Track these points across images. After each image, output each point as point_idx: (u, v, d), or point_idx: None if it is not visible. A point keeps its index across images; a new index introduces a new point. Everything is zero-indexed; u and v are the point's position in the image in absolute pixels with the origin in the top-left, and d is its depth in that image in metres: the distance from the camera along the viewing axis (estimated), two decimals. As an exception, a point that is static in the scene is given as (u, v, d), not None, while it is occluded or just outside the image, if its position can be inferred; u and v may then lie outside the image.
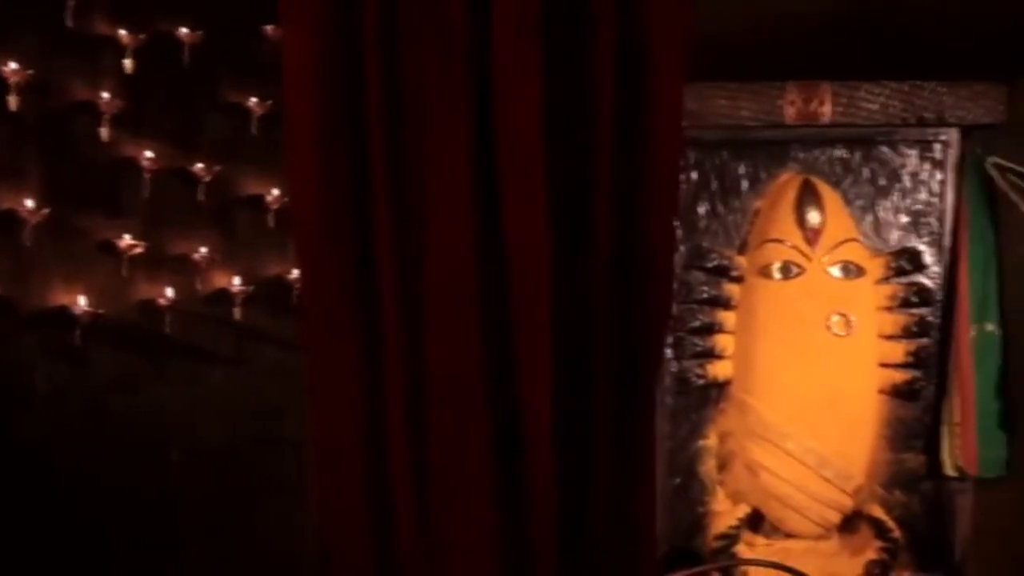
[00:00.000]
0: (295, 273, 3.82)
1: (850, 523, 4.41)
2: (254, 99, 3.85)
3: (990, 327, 4.34)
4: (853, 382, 4.40)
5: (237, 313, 3.89)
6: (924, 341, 4.43)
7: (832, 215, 4.38)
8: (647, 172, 2.21)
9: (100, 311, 3.75)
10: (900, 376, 4.44)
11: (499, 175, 2.19)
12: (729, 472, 4.43)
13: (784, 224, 4.37)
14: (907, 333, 4.43)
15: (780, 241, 4.36)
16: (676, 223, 4.03)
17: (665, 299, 2.29)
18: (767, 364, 4.37)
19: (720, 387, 4.43)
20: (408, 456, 2.23)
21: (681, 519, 4.42)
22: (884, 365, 4.43)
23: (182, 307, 3.85)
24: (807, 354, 4.35)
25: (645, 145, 2.21)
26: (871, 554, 4.40)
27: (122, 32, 3.72)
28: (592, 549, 2.22)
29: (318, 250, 2.23)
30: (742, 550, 4.37)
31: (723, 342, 4.42)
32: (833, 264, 4.37)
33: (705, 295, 4.40)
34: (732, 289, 4.42)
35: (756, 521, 4.42)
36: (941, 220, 4.42)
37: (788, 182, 4.41)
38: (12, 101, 3.59)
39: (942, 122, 4.32)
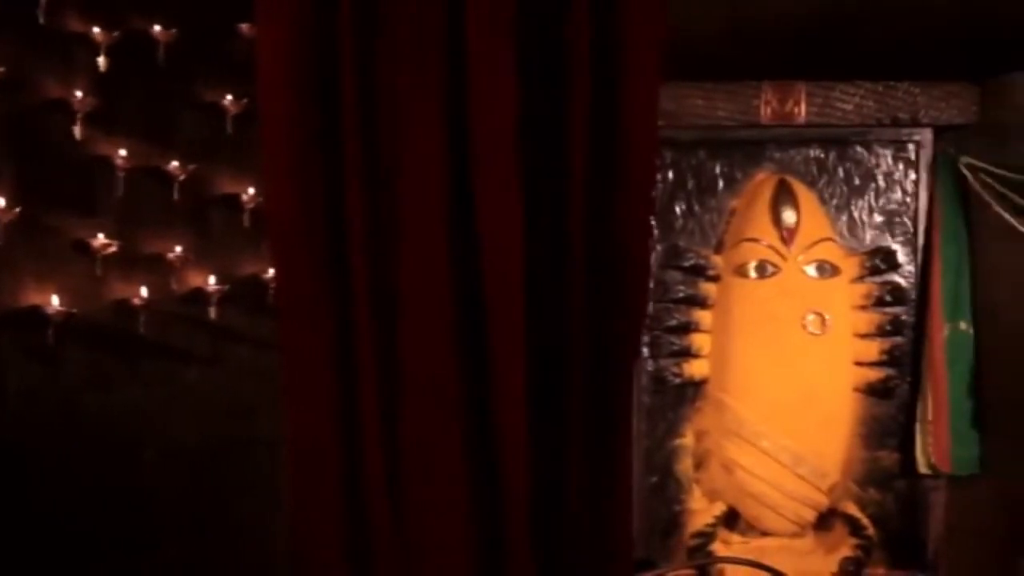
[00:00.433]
0: (270, 272, 3.80)
1: (825, 521, 4.44)
2: (229, 97, 3.83)
3: (963, 326, 4.38)
4: (828, 380, 4.43)
5: (212, 312, 3.87)
6: (898, 340, 4.46)
7: (807, 215, 4.41)
8: (622, 171, 2.21)
9: (73, 311, 3.72)
10: (874, 374, 4.47)
11: (473, 174, 2.18)
12: (705, 470, 4.44)
13: (760, 223, 4.39)
14: (881, 332, 4.46)
15: (756, 240, 4.38)
16: (652, 222, 4.06)
17: (640, 298, 2.30)
18: (743, 363, 4.39)
19: (696, 386, 4.45)
20: (383, 456, 2.22)
21: (658, 517, 4.43)
22: (859, 363, 4.46)
23: (157, 307, 3.82)
24: (783, 353, 4.37)
25: (620, 144, 2.21)
26: (846, 551, 4.43)
27: (96, 30, 3.69)
28: (567, 549, 2.22)
29: (293, 249, 2.22)
30: (718, 548, 4.39)
31: (699, 341, 4.44)
32: (808, 263, 4.39)
33: (681, 294, 4.41)
34: (708, 288, 4.44)
35: (732, 519, 4.44)
36: (915, 220, 4.46)
37: (764, 182, 4.43)
38: (-16, 99, 3.56)
39: (915, 122, 4.35)
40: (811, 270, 4.39)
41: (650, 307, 4.29)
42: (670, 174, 4.38)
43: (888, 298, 4.47)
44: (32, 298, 3.70)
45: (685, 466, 4.47)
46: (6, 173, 3.67)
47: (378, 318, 2.17)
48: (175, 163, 3.80)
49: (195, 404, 3.90)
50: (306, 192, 2.16)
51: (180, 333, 3.90)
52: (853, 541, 4.43)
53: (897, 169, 4.48)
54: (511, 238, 2.16)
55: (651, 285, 4.19)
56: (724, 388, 4.41)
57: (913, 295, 4.47)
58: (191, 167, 3.83)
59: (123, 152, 3.74)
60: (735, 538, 4.43)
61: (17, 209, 3.62)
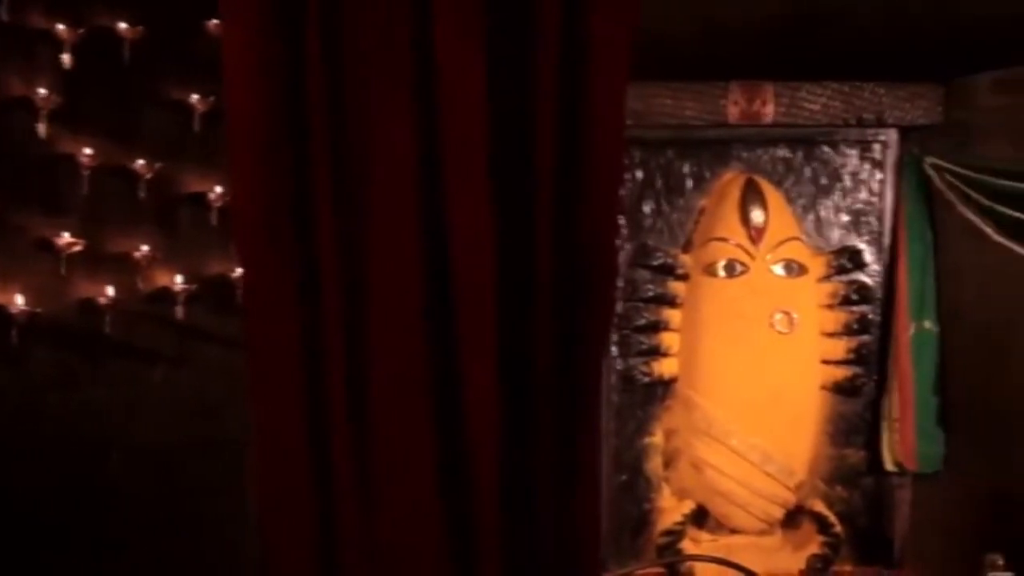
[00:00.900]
0: (238, 271, 3.78)
1: (793, 518, 4.46)
2: (196, 96, 3.80)
3: (928, 324, 4.42)
4: (796, 379, 4.45)
5: (179, 312, 3.84)
6: (865, 338, 4.50)
7: (775, 214, 4.43)
8: (590, 170, 2.22)
9: (37, 310, 3.69)
10: (841, 373, 4.50)
11: (443, 172, 2.18)
12: (674, 469, 4.46)
13: (728, 223, 4.41)
14: (848, 330, 4.49)
15: (724, 239, 4.40)
16: (620, 220, 4.06)
17: (608, 296, 2.30)
18: (712, 361, 4.41)
19: (665, 384, 4.46)
20: (352, 455, 2.22)
21: (627, 516, 4.44)
22: (826, 362, 4.49)
23: (123, 306, 3.79)
24: (751, 351, 4.39)
25: (588, 143, 2.21)
26: (813, 548, 4.46)
27: (60, 27, 3.66)
28: (535, 549, 2.23)
29: (260, 247, 2.21)
30: (687, 546, 4.40)
31: (668, 340, 4.45)
32: (776, 262, 4.41)
33: (650, 293, 4.43)
34: (677, 287, 4.45)
35: (701, 517, 4.45)
36: (881, 219, 4.50)
37: (732, 181, 4.45)
38: (-54, 96, 3.52)
39: (881, 123, 4.39)
40: (779, 269, 4.41)
41: (619, 306, 4.30)
42: (639, 173, 4.39)
43: (855, 297, 4.50)
44: (-5, 297, 3.66)
45: (654, 464, 4.48)
46: (-31, 171, 3.64)
47: (347, 316, 2.16)
48: (141, 161, 3.78)
49: (161, 404, 3.87)
50: (273, 190, 2.15)
51: (146, 333, 3.87)
52: (820, 538, 4.46)
53: (863, 169, 4.51)
54: (480, 236, 2.16)
55: (620, 284, 4.20)
56: (693, 387, 4.43)
57: (879, 294, 4.51)
58: (157, 165, 3.80)
59: (88, 150, 3.71)
60: (704, 536, 4.45)
61: (-20, 207, 3.58)
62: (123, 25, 3.72)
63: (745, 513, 4.40)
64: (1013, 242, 4.04)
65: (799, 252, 4.45)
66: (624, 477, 4.45)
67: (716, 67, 4.18)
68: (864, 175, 4.51)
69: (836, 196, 4.51)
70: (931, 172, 4.32)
